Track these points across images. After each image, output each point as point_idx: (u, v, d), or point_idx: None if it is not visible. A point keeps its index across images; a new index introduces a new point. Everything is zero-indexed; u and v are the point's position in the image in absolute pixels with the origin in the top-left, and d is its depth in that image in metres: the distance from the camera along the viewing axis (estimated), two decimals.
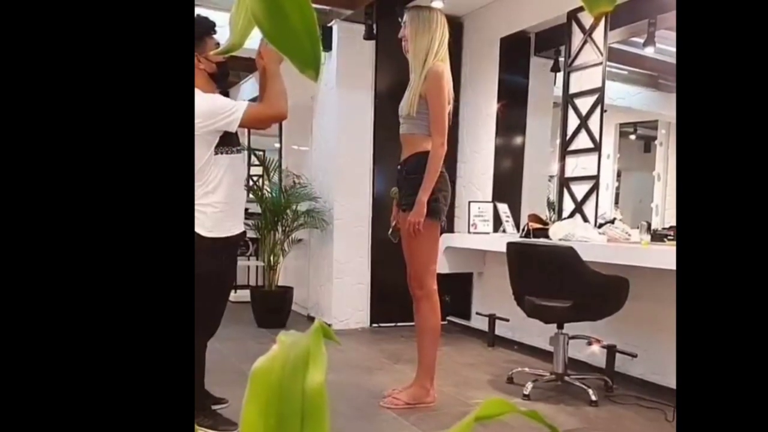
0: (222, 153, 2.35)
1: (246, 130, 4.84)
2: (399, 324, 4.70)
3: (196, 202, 2.33)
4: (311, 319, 5.05)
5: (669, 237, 3.19)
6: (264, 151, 6.02)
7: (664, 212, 4.07)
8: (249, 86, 6.38)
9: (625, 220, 3.68)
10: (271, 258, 4.84)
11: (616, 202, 4.34)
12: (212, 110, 2.27)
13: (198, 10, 3.79)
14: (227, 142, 2.37)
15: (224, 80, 2.49)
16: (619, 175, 4.51)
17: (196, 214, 2.32)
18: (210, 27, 2.37)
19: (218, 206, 2.35)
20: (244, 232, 2.56)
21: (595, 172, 3.74)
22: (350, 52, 4.62)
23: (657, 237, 3.23)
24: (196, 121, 2.23)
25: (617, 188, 4.45)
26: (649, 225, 3.61)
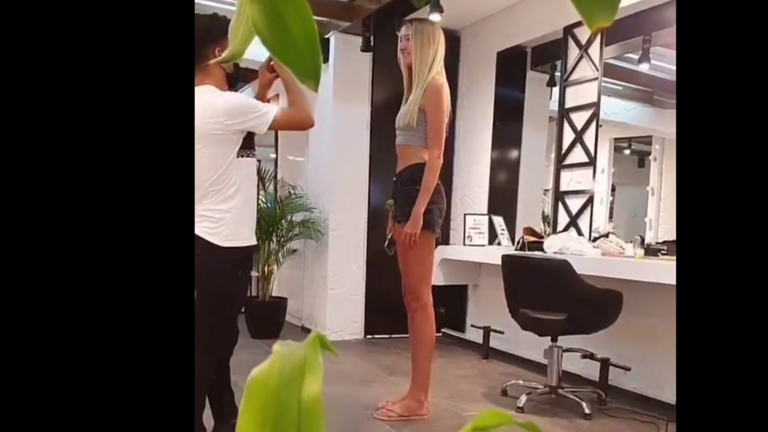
0: (244, 156, 2.21)
1: None
2: (394, 336, 4.69)
3: (212, 207, 2.15)
4: (305, 330, 5.03)
5: (662, 251, 3.20)
6: (259, 161, 6.02)
7: (658, 227, 4.10)
8: (246, 95, 6.38)
9: (619, 234, 3.69)
10: (266, 268, 4.83)
11: (611, 217, 4.36)
12: (241, 109, 2.16)
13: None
14: (249, 144, 2.23)
15: (236, 83, 2.41)
16: (613, 189, 4.53)
17: (211, 223, 2.14)
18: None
19: (235, 212, 2.18)
20: (258, 245, 2.40)
21: (589, 187, 3.76)
22: (347, 64, 4.64)
23: (650, 251, 3.25)
24: (221, 119, 2.12)
25: (611, 202, 4.47)
26: (643, 239, 3.62)
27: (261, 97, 2.41)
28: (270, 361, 0.47)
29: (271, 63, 2.32)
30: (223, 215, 2.16)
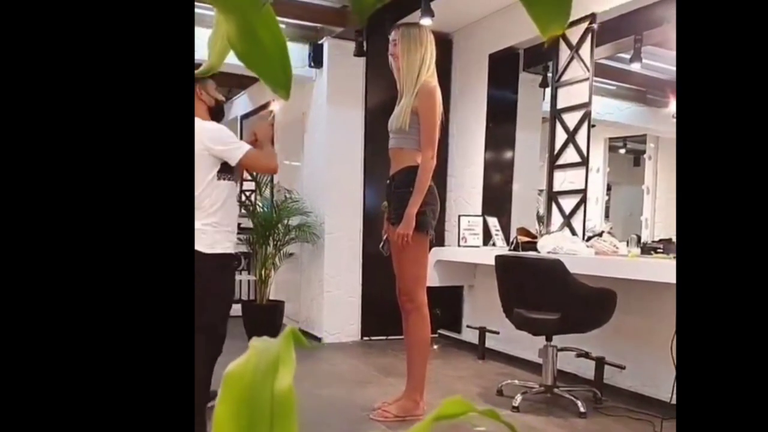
0: (224, 179, 2.55)
1: None
2: (390, 337, 4.71)
3: (197, 222, 2.44)
4: (302, 333, 5.04)
5: (658, 250, 3.22)
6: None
7: (654, 225, 4.12)
8: (241, 101, 6.43)
9: (616, 233, 3.71)
10: (263, 272, 4.85)
11: (607, 216, 4.38)
12: (222, 138, 2.52)
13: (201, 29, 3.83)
14: (229, 169, 2.56)
15: (219, 117, 2.71)
16: (609, 188, 4.55)
17: (197, 234, 2.42)
18: None
19: (217, 227, 2.51)
20: (237, 254, 2.75)
21: (582, 186, 3.78)
22: (341, 69, 4.67)
23: (646, 250, 3.26)
24: (205, 142, 2.45)
25: (607, 202, 4.49)
26: (639, 238, 3.64)
27: (253, 142, 2.75)
28: (246, 355, 0.49)
29: (255, 135, 2.76)
30: (205, 228, 2.47)
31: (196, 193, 2.44)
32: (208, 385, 2.52)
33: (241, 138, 6.15)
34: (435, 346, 4.43)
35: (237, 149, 2.51)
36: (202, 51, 0.55)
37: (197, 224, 2.43)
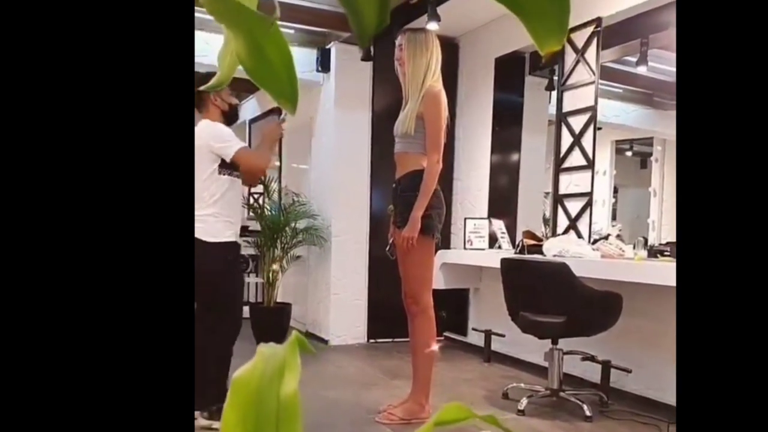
0: (224, 174, 2.73)
1: None
2: (396, 340, 4.72)
3: (198, 212, 2.62)
4: (309, 335, 5.07)
5: (665, 252, 3.21)
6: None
7: (661, 228, 4.11)
8: (250, 106, 6.46)
9: (623, 235, 3.71)
10: (270, 275, 4.87)
11: (614, 218, 4.37)
12: (222, 136, 2.70)
13: (200, 34, 3.86)
14: (229, 164, 2.72)
15: (233, 120, 2.88)
16: (616, 191, 4.55)
17: (198, 224, 2.60)
18: None
19: (218, 216, 2.69)
20: (240, 245, 2.90)
21: (588, 189, 3.78)
22: (348, 73, 4.70)
23: (653, 253, 3.26)
24: (208, 140, 2.65)
25: (614, 204, 4.49)
26: (646, 241, 3.64)
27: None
28: (253, 361, 0.51)
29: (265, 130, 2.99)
30: (206, 218, 2.64)
31: (197, 185, 2.62)
32: (228, 361, 2.71)
33: (250, 141, 6.21)
34: (436, 347, 4.44)
35: (231, 147, 2.68)
36: (212, 56, 0.56)
37: (197, 214, 2.60)
